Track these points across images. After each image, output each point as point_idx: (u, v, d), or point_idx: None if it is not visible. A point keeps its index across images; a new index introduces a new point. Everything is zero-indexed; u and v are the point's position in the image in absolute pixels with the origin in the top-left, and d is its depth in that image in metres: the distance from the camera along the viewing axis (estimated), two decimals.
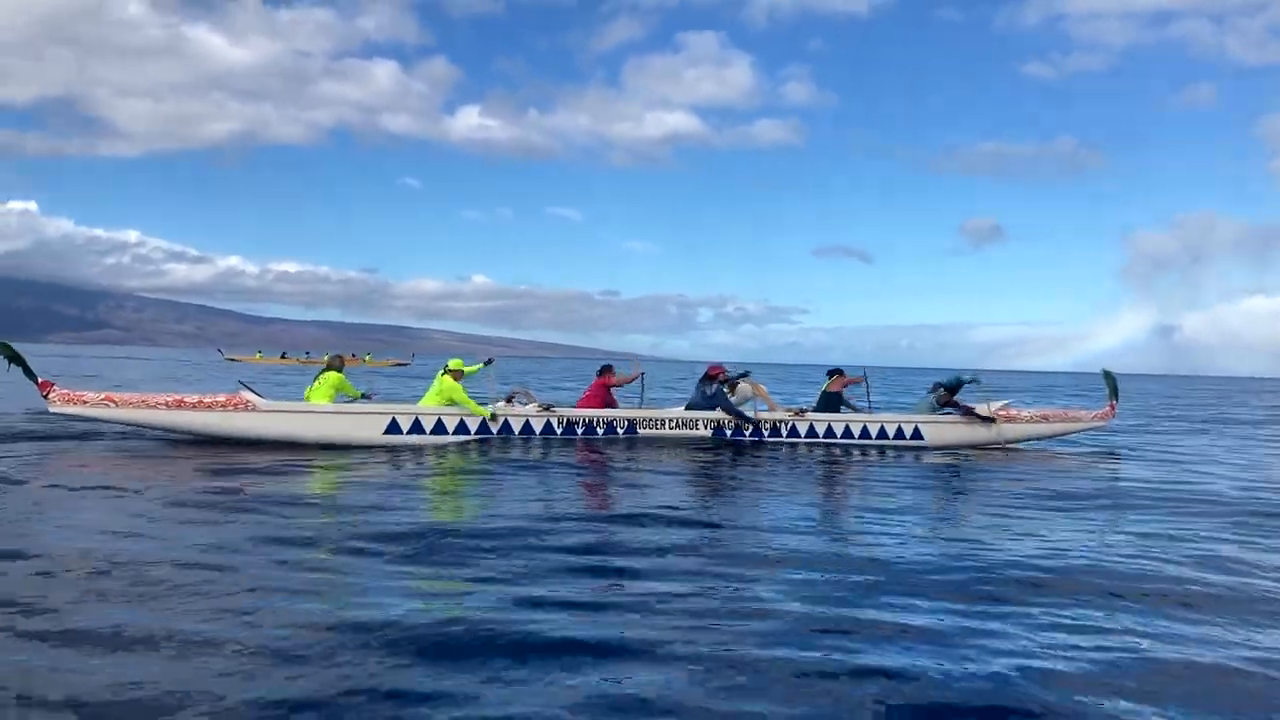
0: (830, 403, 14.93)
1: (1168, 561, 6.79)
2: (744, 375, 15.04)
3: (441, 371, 13.66)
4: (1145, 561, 6.74)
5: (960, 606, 5.32)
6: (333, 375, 13.39)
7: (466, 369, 13.88)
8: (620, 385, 14.56)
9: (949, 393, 15.47)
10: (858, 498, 10.02)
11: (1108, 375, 16.93)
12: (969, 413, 15.39)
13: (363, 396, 13.73)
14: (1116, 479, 12.11)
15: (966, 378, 15.84)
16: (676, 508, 8.53)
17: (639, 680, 4.06)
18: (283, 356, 65.32)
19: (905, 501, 9.66)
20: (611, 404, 14.27)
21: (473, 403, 13.55)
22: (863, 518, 8.62)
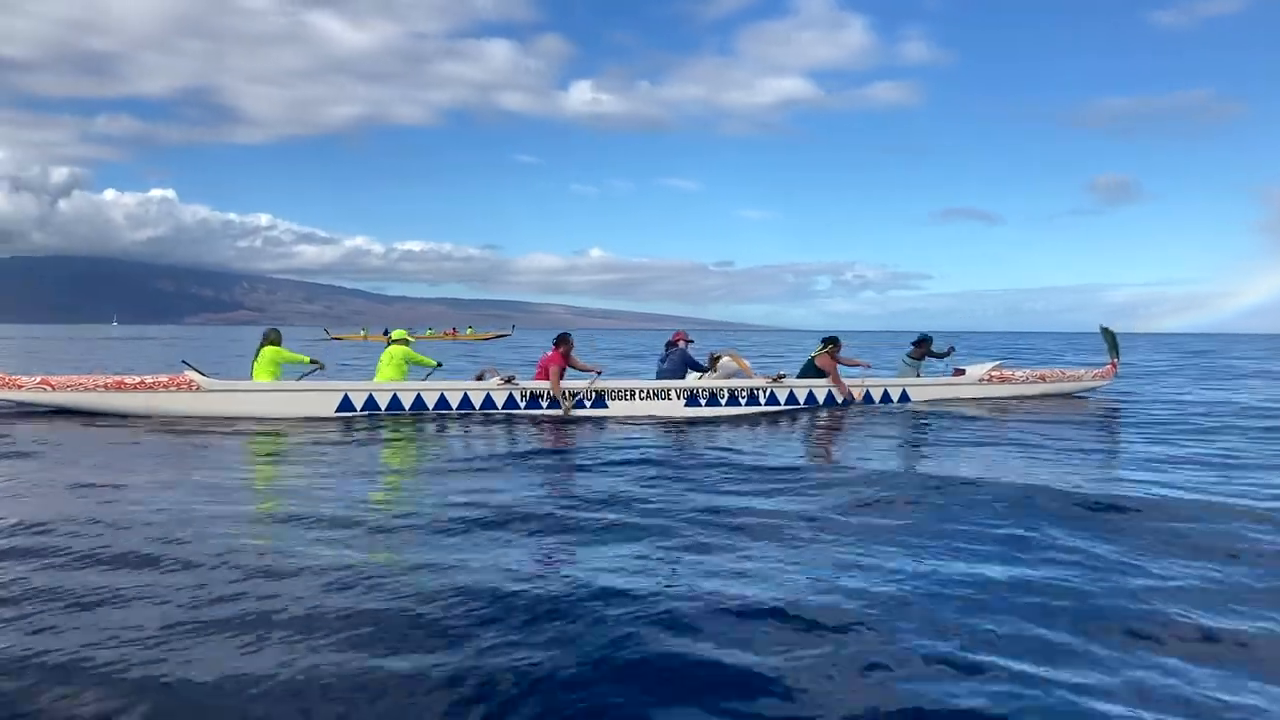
0: (817, 375, 14.37)
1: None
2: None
3: (388, 343, 13.47)
4: None
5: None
6: (269, 350, 12.83)
7: (418, 355, 13.49)
8: (575, 367, 13.38)
9: (919, 347, 15.29)
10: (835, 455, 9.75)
11: (1107, 332, 16.45)
12: (959, 374, 15.34)
13: (312, 362, 13.20)
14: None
15: (941, 349, 15.65)
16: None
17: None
18: (385, 333, 67.04)
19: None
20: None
21: (425, 358, 13.52)
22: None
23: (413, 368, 13.34)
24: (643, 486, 7.53)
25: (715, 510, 6.54)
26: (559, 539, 5.79)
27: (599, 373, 13.65)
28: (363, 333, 67.61)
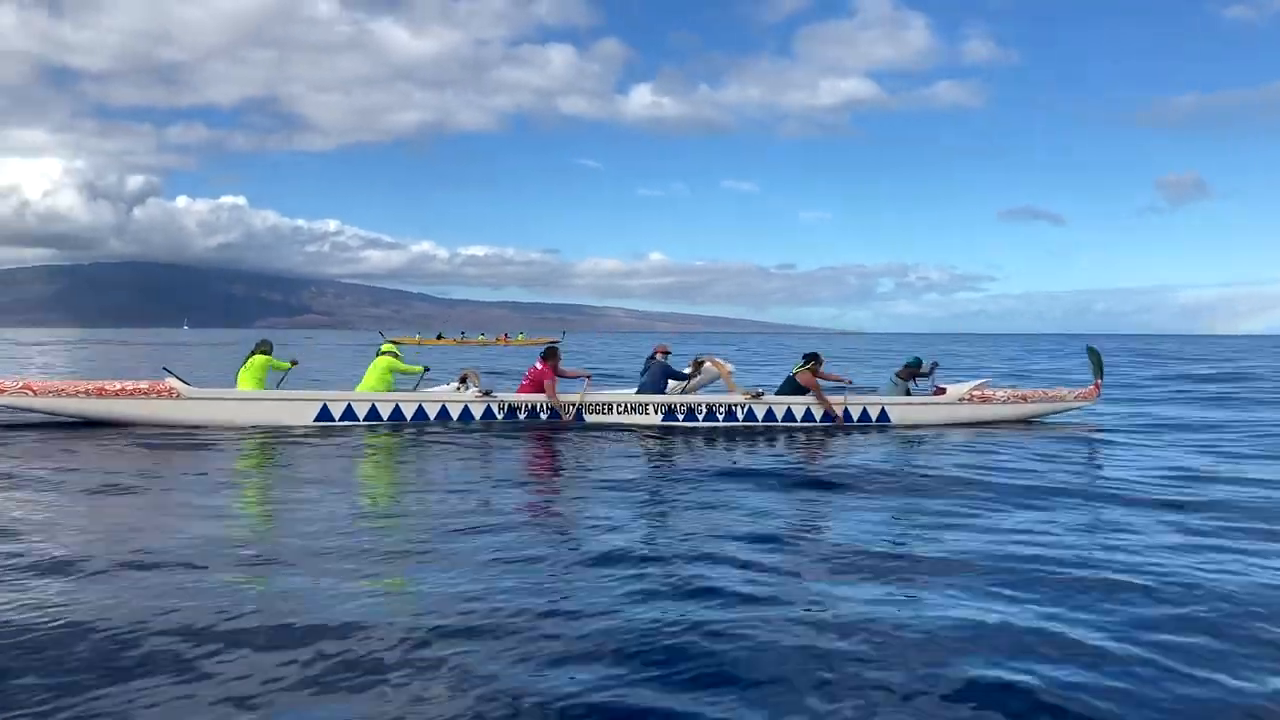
0: (797, 391, 14.17)
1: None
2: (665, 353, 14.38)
3: (377, 354, 13.54)
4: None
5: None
6: (259, 358, 12.94)
7: (404, 365, 13.57)
8: (564, 375, 13.81)
9: (909, 370, 15.03)
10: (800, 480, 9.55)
11: (1092, 353, 16.25)
12: (939, 392, 15.07)
13: (293, 364, 13.73)
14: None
15: (925, 369, 15.24)
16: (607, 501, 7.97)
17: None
18: (439, 337, 67.39)
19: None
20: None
21: (411, 366, 13.63)
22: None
23: (411, 376, 13.67)
24: (621, 510, 7.51)
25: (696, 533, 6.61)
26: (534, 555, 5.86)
27: (589, 377, 14.07)
28: (417, 337, 68.62)
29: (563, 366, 13.83)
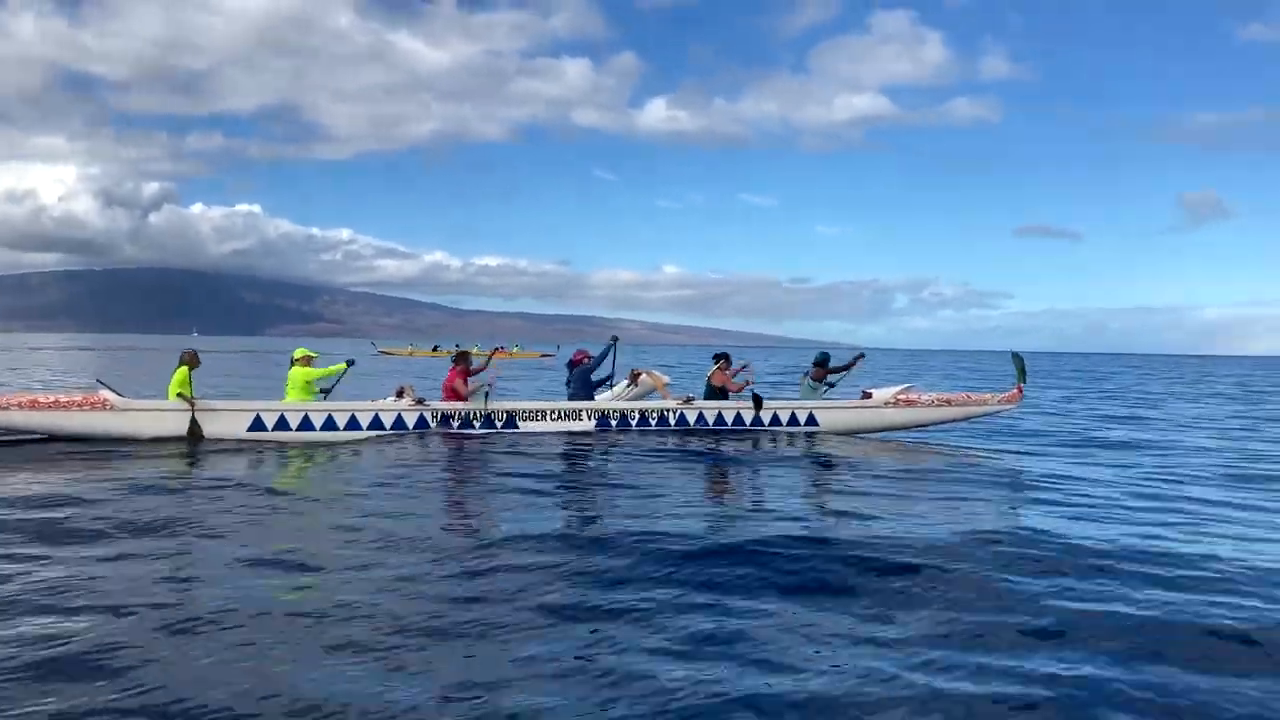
0: (718, 395, 14.71)
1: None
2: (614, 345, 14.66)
3: (290, 366, 13.37)
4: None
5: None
6: (182, 370, 12.73)
7: (320, 370, 13.49)
8: (469, 388, 13.63)
9: (820, 369, 15.35)
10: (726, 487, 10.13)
11: (1016, 357, 16.50)
12: (866, 396, 15.39)
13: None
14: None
15: (848, 362, 15.85)
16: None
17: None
18: (435, 350, 67.54)
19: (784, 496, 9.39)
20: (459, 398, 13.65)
21: (330, 368, 13.57)
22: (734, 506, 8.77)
23: (331, 378, 13.55)
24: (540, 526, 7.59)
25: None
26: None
27: (491, 383, 13.95)
28: (409, 348, 68.76)
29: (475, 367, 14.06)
